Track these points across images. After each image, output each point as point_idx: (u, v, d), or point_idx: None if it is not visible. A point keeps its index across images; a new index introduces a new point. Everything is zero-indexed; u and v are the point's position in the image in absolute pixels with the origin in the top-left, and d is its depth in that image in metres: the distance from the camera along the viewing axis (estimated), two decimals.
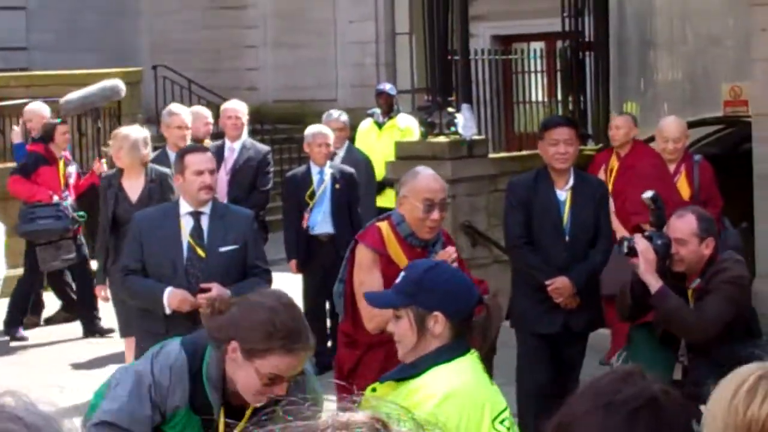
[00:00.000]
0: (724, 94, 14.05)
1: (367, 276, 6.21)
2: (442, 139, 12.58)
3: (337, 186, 10.54)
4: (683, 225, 6.35)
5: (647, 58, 15.16)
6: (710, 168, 9.84)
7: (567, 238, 7.69)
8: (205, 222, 7.01)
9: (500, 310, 4.19)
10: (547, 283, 7.62)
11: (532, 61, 16.71)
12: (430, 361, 3.84)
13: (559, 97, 15.66)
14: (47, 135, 12.15)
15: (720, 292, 6.27)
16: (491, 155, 13.06)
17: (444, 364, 3.84)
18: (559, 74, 15.71)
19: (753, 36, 11.24)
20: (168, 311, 6.92)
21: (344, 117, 11.70)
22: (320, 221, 10.56)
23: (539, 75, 17.13)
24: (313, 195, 10.51)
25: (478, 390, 3.83)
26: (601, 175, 11.10)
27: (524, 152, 13.73)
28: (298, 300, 10.70)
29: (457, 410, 3.73)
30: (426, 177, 6.50)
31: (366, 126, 13.76)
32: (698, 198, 9.36)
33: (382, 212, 12.99)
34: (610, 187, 10.58)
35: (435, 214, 6.26)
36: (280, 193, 12.18)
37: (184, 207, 7.04)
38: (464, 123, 12.92)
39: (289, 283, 10.50)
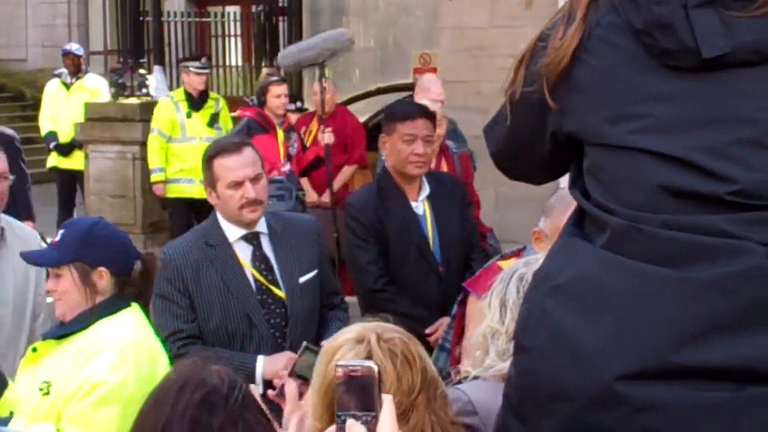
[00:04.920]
0: (414, 62, 14.37)
1: None
2: (133, 100, 12.47)
3: None
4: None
5: (340, 25, 15.33)
6: (470, 161, 8.09)
7: (439, 264, 5.77)
8: (266, 245, 4.81)
9: (157, 263, 4.23)
10: (428, 332, 5.58)
11: (228, 25, 16.64)
12: (95, 314, 3.86)
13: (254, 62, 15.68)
14: (259, 97, 10.11)
15: None
16: None
17: (109, 317, 3.87)
18: (254, 39, 15.72)
19: (441, 5, 11.54)
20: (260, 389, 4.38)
21: None
22: None
23: (236, 39, 17.08)
24: None
25: (149, 340, 3.89)
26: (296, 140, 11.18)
27: None
28: None
29: (135, 360, 3.74)
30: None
31: (53, 86, 13.38)
32: None
33: (69, 174, 12.89)
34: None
35: None
36: None
37: (231, 231, 4.77)
38: (156, 85, 12.83)
39: None
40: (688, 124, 2.14)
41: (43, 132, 12.84)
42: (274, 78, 10.34)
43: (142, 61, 13.07)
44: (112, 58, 16.21)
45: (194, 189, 11.13)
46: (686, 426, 2.05)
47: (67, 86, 13.21)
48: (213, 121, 11.41)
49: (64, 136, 12.44)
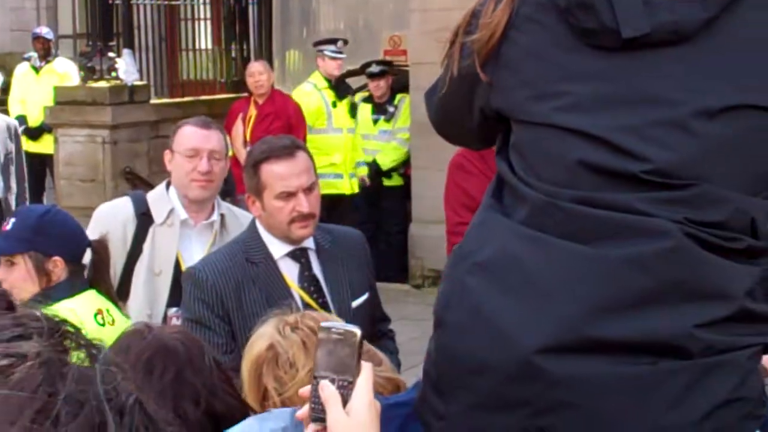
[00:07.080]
0: (384, 44, 14.39)
1: None
2: (102, 84, 12.42)
3: None
4: None
5: (310, 7, 15.34)
6: None
7: None
8: (315, 263, 4.24)
9: (109, 249, 4.20)
10: None
11: (197, 8, 16.59)
12: (50, 297, 3.84)
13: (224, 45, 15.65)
14: None
15: None
16: (153, 101, 12.96)
17: (67, 300, 3.89)
18: (224, 22, 15.69)
19: None
20: None
21: None
22: None
23: (205, 23, 17.03)
24: None
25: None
26: (239, 125, 11.07)
27: (187, 99, 13.72)
28: None
29: None
30: None
31: (23, 70, 13.38)
32: None
33: (38, 158, 12.83)
34: (248, 136, 10.53)
35: None
36: None
37: (275, 246, 4.18)
38: (126, 68, 12.78)
39: None
40: (608, 103, 2.15)
41: (13, 116, 12.80)
42: None
43: (111, 44, 13.03)
44: (81, 42, 16.13)
45: (344, 184, 10.90)
46: (601, 399, 2.07)
47: (37, 70, 13.19)
48: (353, 110, 11.20)
49: (34, 120, 12.42)
